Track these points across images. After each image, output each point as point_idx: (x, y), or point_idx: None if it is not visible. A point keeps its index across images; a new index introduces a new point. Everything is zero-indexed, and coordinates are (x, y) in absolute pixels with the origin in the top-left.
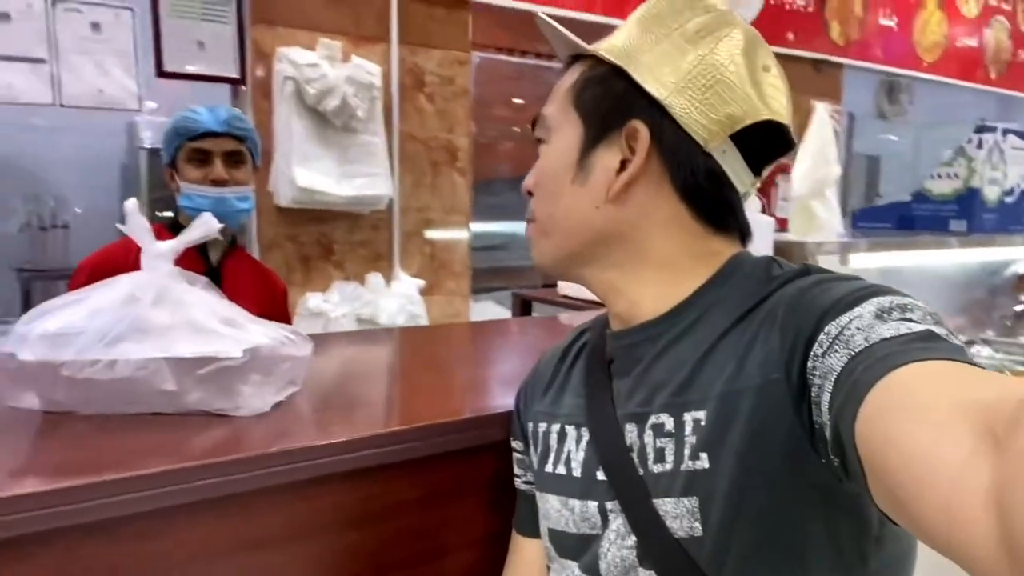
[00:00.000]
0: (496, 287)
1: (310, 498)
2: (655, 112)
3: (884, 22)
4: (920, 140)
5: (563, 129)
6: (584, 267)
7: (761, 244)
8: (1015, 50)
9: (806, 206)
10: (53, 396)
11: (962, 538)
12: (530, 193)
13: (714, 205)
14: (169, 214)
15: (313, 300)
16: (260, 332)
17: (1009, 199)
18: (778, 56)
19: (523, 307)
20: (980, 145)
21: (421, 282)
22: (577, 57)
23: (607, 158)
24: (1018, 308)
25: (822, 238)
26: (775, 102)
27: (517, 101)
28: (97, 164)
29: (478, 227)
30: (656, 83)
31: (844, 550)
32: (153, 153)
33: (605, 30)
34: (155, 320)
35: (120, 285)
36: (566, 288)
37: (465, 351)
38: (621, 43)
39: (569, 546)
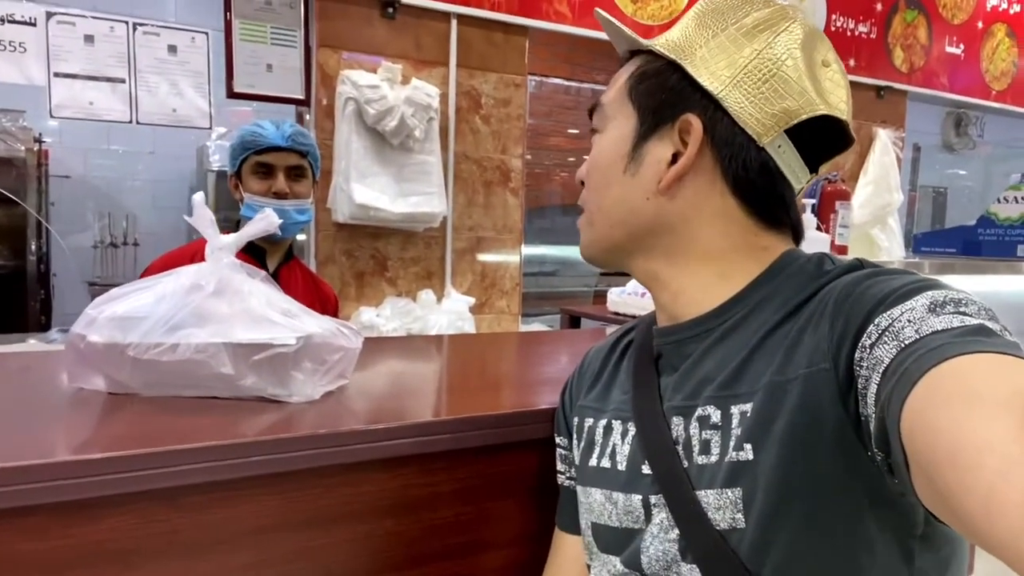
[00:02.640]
0: (545, 312)
1: (354, 483)
2: (709, 105)
3: (950, 50)
4: (990, 172)
5: (617, 119)
6: (631, 257)
7: None
8: None
9: (867, 234)
10: (118, 377)
11: (1002, 530)
12: (583, 183)
13: (766, 200)
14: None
15: (366, 314)
16: (314, 322)
17: None
18: None
19: (571, 323)
20: None
21: (471, 299)
22: (635, 52)
23: (659, 150)
24: None
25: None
26: (833, 97)
27: (572, 131)
28: (168, 186)
29: (529, 251)
30: (711, 76)
31: (888, 546)
32: (221, 175)
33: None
34: (216, 308)
35: (184, 274)
36: (616, 304)
37: (512, 355)
38: (677, 37)
39: (611, 540)
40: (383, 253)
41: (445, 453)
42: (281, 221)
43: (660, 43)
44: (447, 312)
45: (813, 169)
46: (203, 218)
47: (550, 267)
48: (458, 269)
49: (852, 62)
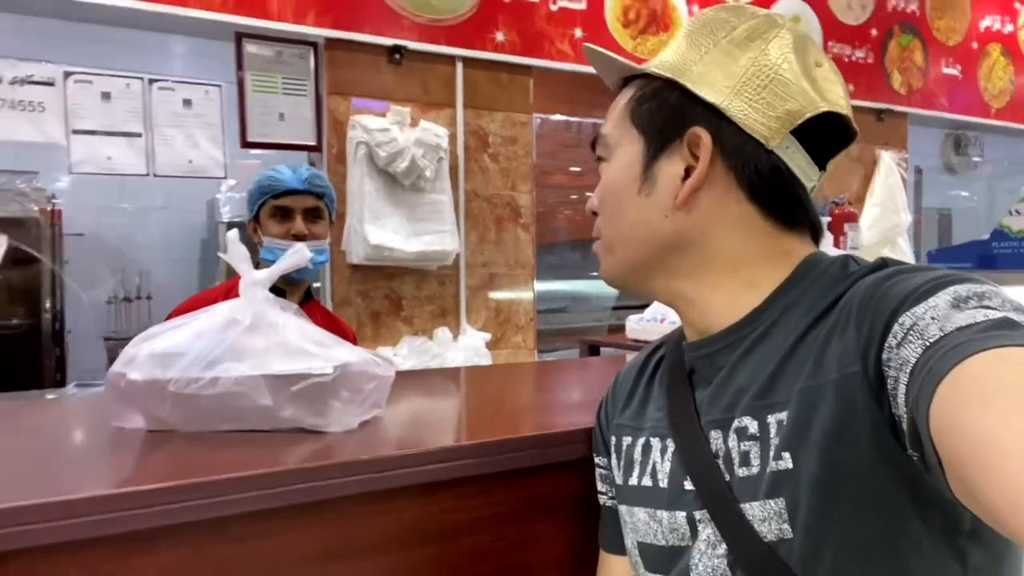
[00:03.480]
0: (561, 348)
1: (395, 510)
2: (713, 117)
3: (947, 71)
4: (993, 192)
5: (623, 145)
6: (653, 278)
7: None
8: None
9: (877, 256)
10: (158, 413)
11: None
12: (595, 213)
13: (782, 201)
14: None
15: (383, 354)
16: (348, 352)
17: None
18: None
19: (591, 353)
20: None
21: (487, 335)
22: (628, 80)
23: (671, 167)
24: None
25: None
26: (832, 94)
27: (574, 169)
28: (180, 240)
29: (541, 287)
30: (711, 89)
31: (939, 546)
32: (232, 227)
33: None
34: (252, 342)
35: (220, 310)
36: (635, 332)
37: (537, 382)
38: (671, 58)
39: (658, 559)
40: (398, 292)
41: (482, 477)
42: (311, 255)
43: (655, 65)
44: (464, 348)
45: (822, 167)
46: (238, 254)
47: (561, 303)
48: (473, 306)
49: (851, 87)
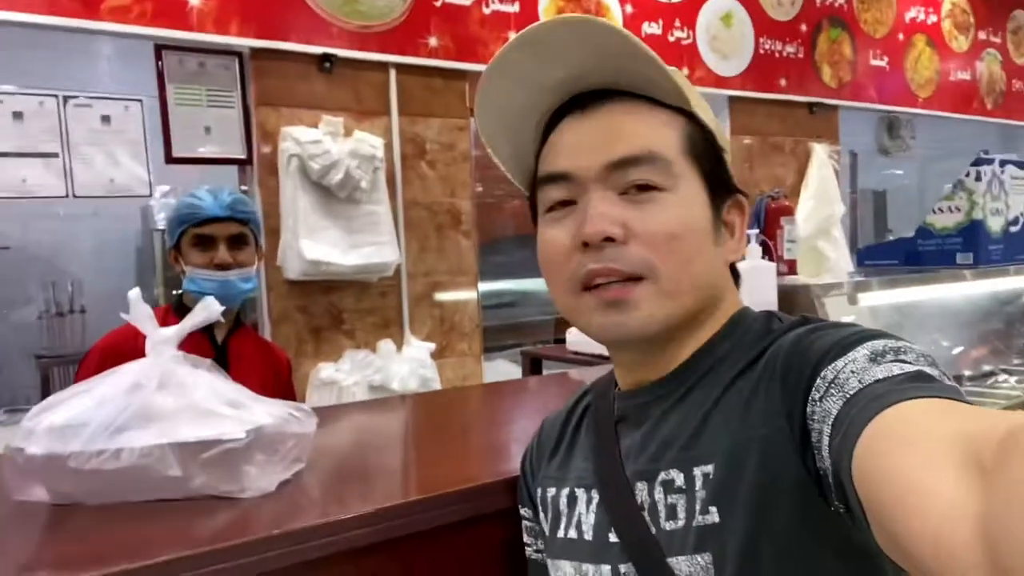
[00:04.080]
0: (508, 344)
1: None
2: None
3: (875, 63)
4: (925, 173)
5: (686, 182)
6: (688, 329)
7: (765, 290)
8: (1009, 80)
9: (814, 247)
10: (60, 488)
11: (952, 568)
12: (610, 239)
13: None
14: (177, 292)
15: (325, 370)
16: (263, 411)
17: (1015, 228)
18: (771, 101)
19: (532, 365)
20: (979, 177)
21: (432, 345)
22: (651, 100)
23: (730, 219)
24: None
25: (831, 278)
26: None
27: None
28: (113, 248)
29: (486, 286)
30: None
31: None
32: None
33: None
34: (160, 405)
35: (125, 373)
36: (575, 344)
37: (473, 414)
38: (703, 110)
39: None
40: (338, 306)
41: (408, 536)
42: (222, 308)
43: (702, 114)
44: (408, 360)
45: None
46: (141, 315)
47: (508, 299)
48: (416, 316)
49: (783, 82)
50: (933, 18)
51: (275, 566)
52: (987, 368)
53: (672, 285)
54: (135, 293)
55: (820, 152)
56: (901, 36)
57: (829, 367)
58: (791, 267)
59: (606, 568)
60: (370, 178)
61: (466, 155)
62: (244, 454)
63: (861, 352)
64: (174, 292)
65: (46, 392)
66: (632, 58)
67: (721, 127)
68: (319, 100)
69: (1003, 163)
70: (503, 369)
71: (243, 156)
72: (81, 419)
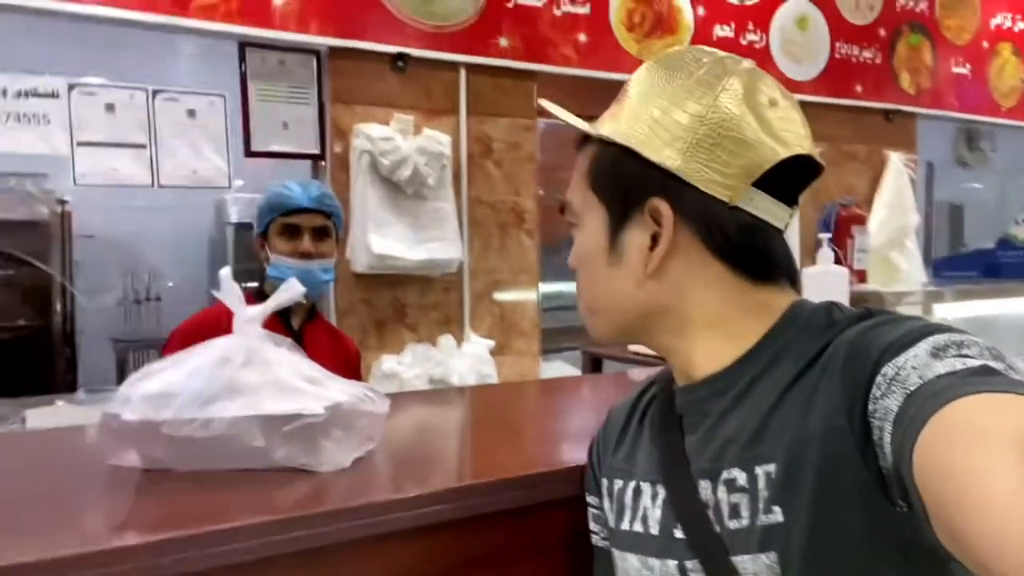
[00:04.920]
0: (566, 347)
1: (388, 552)
2: (672, 182)
3: (957, 70)
4: (1006, 187)
5: (588, 214)
6: (639, 336)
7: (836, 294)
8: None
9: (885, 257)
10: (153, 454)
11: (1013, 567)
12: (573, 270)
13: (753, 258)
14: (253, 284)
15: (387, 363)
16: (340, 389)
17: None
18: (845, 108)
19: (593, 364)
20: None
21: (491, 342)
22: (587, 137)
23: (637, 236)
24: None
25: (903, 288)
26: (789, 135)
27: None
28: (188, 240)
29: (547, 288)
30: (666, 153)
31: None
32: (240, 227)
33: None
34: (245, 380)
35: (214, 348)
36: (635, 347)
37: (535, 406)
38: (625, 119)
39: None
40: (402, 300)
41: (476, 517)
42: (304, 290)
43: (607, 130)
44: (468, 356)
45: (792, 202)
46: (231, 293)
47: (568, 301)
48: (476, 313)
49: (859, 87)
50: (1021, 25)
51: (349, 537)
52: None
53: (588, 304)
54: (226, 271)
55: (896, 161)
56: (986, 44)
57: (890, 364)
58: (860, 276)
59: (672, 563)
60: (437, 175)
61: (531, 156)
62: (322, 428)
63: (922, 348)
64: (242, 285)
65: (122, 374)
66: (567, 122)
67: (674, 130)
68: (391, 98)
69: None
70: (561, 370)
71: (317, 152)
72: (174, 389)
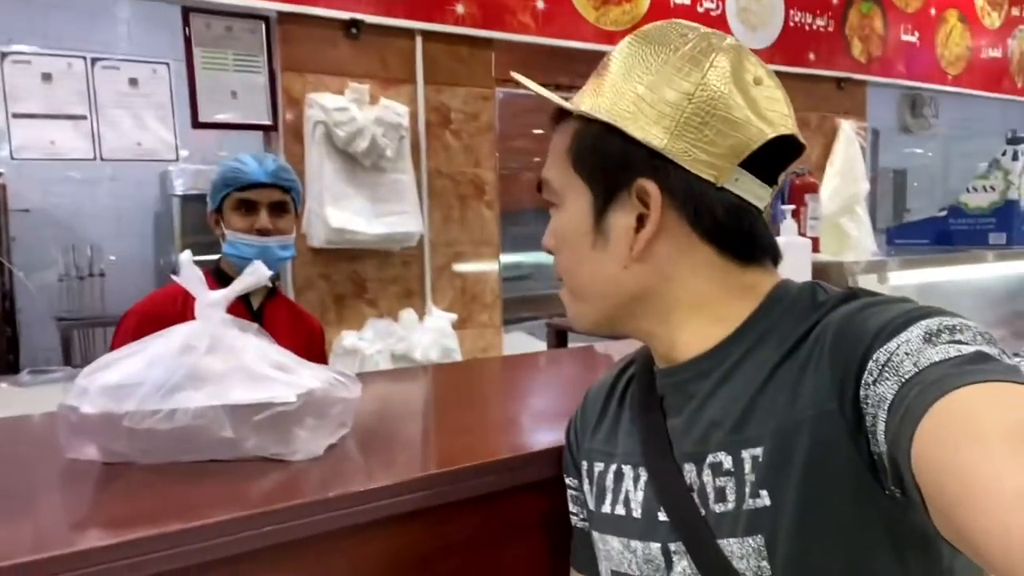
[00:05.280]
0: (526, 317)
1: (364, 541)
2: (658, 162)
3: (906, 38)
4: (949, 152)
5: (570, 194)
6: (623, 323)
7: (799, 266)
8: None
9: (836, 224)
10: (113, 447)
11: (1017, 564)
12: (549, 251)
13: (739, 239)
14: (206, 258)
15: (348, 338)
16: (311, 376)
17: None
18: (800, 76)
19: (558, 337)
20: (1016, 157)
21: (454, 316)
22: (565, 112)
23: (622, 218)
24: None
25: (854, 256)
26: (775, 114)
27: (537, 132)
28: (131, 213)
29: (505, 258)
30: (651, 131)
31: None
32: (186, 200)
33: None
34: (210, 368)
35: (175, 335)
36: None
37: (505, 386)
38: (608, 95)
39: None
40: (361, 275)
41: (453, 503)
42: (271, 273)
43: (589, 106)
44: (430, 330)
45: (772, 183)
46: (192, 277)
47: (527, 271)
48: (438, 286)
49: (812, 56)
50: None
51: (323, 529)
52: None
53: (573, 288)
54: (187, 255)
55: (848, 129)
56: (933, 11)
57: (882, 349)
58: (814, 244)
59: (655, 546)
60: (395, 146)
61: (490, 125)
62: (295, 417)
63: (915, 332)
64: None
65: (67, 354)
66: (544, 99)
67: (658, 106)
68: (345, 67)
69: None
70: (521, 341)
71: (268, 122)
72: (135, 379)
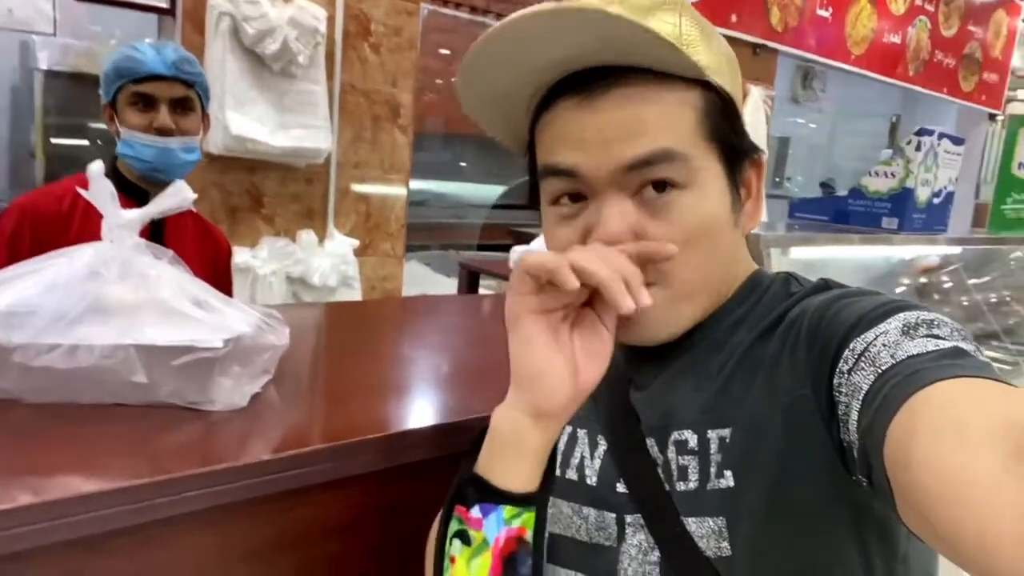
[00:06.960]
0: (418, 245)
1: (296, 506)
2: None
3: (820, 12)
4: (835, 128)
5: (705, 172)
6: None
7: None
8: (933, 50)
9: None
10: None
11: (997, 559)
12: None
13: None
14: (74, 142)
15: (241, 255)
16: (237, 317)
17: (937, 200)
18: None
19: (470, 279)
20: (919, 147)
21: (356, 242)
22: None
23: (747, 183)
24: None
25: (762, 230)
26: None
27: (443, 52)
28: None
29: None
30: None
31: (877, 570)
32: (51, 76)
33: None
34: (120, 298)
35: (80, 257)
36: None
37: (426, 335)
38: (713, 56)
39: (574, 554)
40: (259, 188)
41: (380, 472)
42: (195, 197)
43: (712, 73)
44: (330, 255)
45: None
46: (102, 192)
47: (423, 197)
48: (341, 209)
49: (734, 18)
50: None
51: (255, 494)
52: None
53: (686, 288)
54: (97, 166)
55: (756, 95)
56: None
57: (859, 338)
58: None
59: (610, 516)
60: (309, 52)
61: (412, 43)
62: (220, 364)
63: (893, 324)
64: (51, 141)
65: None
66: (646, 44)
67: (737, 76)
68: None
69: (941, 136)
70: (416, 271)
71: (165, 5)
72: (28, 305)
